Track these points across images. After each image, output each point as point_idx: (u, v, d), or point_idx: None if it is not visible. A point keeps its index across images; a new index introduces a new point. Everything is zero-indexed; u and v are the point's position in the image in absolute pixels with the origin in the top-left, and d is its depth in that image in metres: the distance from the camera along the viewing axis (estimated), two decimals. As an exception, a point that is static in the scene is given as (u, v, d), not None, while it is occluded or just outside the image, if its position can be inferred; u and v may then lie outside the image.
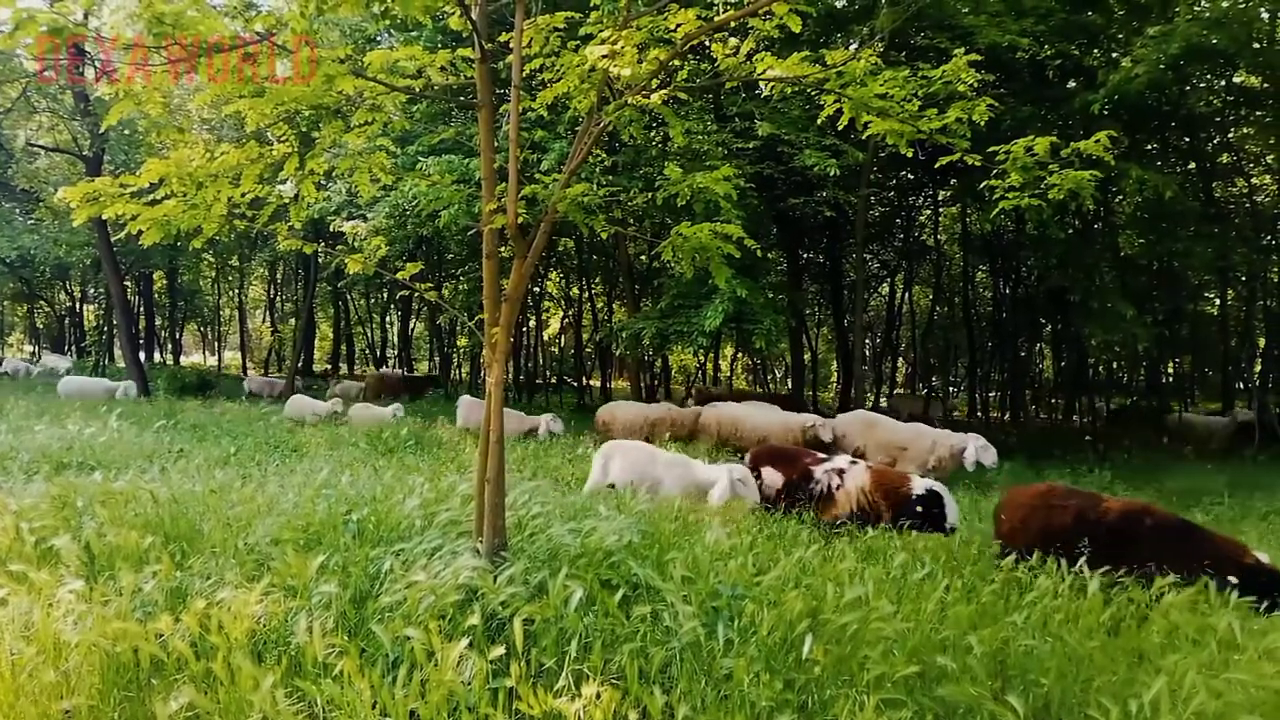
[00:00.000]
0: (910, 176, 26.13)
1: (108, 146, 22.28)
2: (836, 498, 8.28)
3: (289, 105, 4.76)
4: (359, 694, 3.27)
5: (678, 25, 4.61)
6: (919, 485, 7.99)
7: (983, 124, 4.83)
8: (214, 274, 43.34)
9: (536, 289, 31.33)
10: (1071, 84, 18.89)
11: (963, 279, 31.20)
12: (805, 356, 32.42)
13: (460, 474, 8.30)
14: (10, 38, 3.56)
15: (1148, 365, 28.55)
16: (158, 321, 44.80)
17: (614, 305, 31.56)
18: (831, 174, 15.19)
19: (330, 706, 3.36)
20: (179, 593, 4.36)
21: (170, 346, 46.42)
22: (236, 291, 45.60)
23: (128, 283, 32.55)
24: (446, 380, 34.60)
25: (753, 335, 16.04)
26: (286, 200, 5.60)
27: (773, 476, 8.73)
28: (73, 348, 41.91)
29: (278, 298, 45.88)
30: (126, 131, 21.98)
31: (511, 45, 5.03)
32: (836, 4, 17.96)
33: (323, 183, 8.78)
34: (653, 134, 17.97)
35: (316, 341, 46.25)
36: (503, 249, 5.26)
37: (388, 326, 42.77)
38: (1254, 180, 23.95)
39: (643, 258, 25.67)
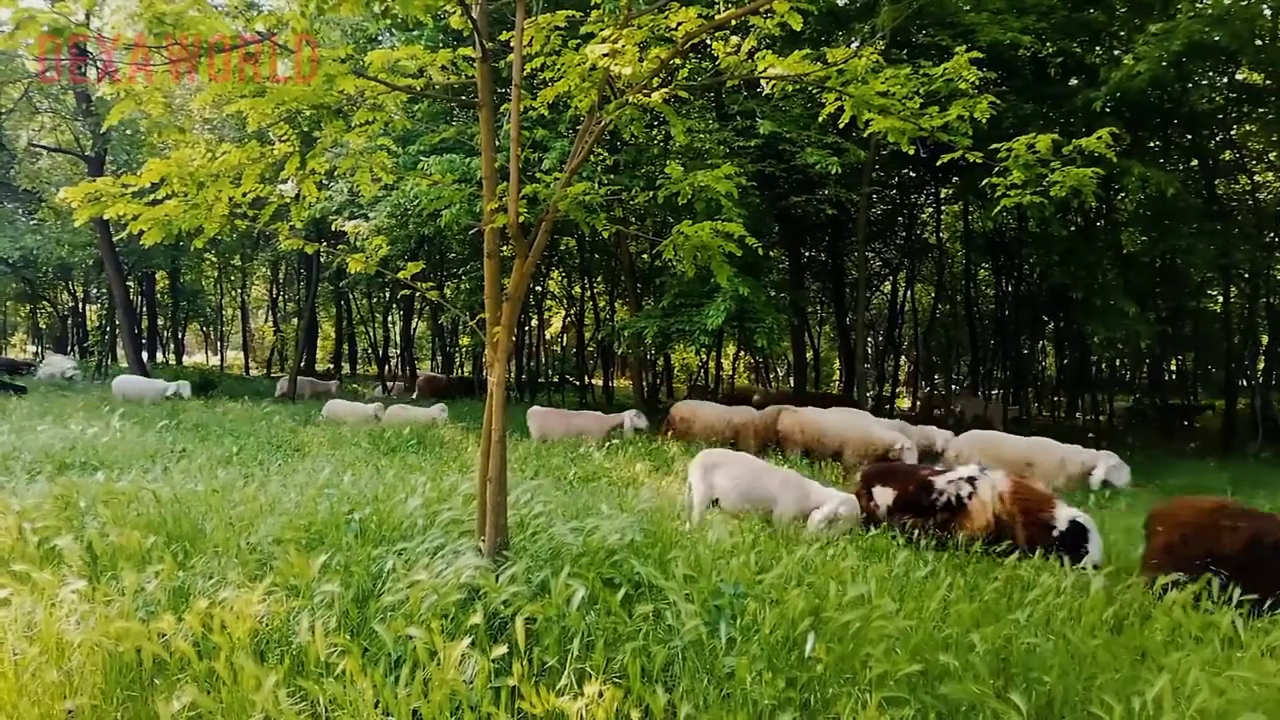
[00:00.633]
0: (912, 174, 26.13)
1: (110, 146, 22.32)
2: (970, 508, 7.20)
3: (290, 105, 4.76)
4: (361, 693, 3.27)
5: (679, 24, 4.61)
6: (1063, 516, 6.87)
7: (984, 121, 4.83)
8: (216, 274, 43.40)
9: (538, 288, 31.33)
10: (1073, 81, 18.89)
11: (965, 277, 31.16)
12: (807, 355, 32.42)
13: (462, 473, 8.30)
14: (11, 38, 3.56)
15: (1150, 363, 28.53)
16: (160, 321, 44.86)
17: (616, 304, 31.55)
18: (833, 172, 15.19)
19: (333, 706, 3.36)
20: (181, 592, 4.37)
21: (173, 346, 46.47)
22: (239, 291, 45.66)
23: (130, 283, 32.61)
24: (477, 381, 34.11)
25: (755, 334, 16.01)
26: (288, 200, 5.60)
27: (884, 494, 7.89)
28: (75, 348, 41.93)
29: (280, 297, 45.92)
30: (128, 131, 22.01)
31: (512, 44, 5.03)
32: (838, 2, 17.95)
33: (324, 182, 8.77)
34: (654, 133, 17.98)
35: (319, 341, 46.29)
36: (504, 248, 5.26)
37: (390, 326, 42.76)
38: (1256, 177, 23.91)
39: (644, 256, 25.67)
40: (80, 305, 43.37)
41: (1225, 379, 24.83)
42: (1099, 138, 4.72)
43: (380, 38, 18.44)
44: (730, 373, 42.09)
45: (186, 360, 48.35)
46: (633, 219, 19.73)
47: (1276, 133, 20.73)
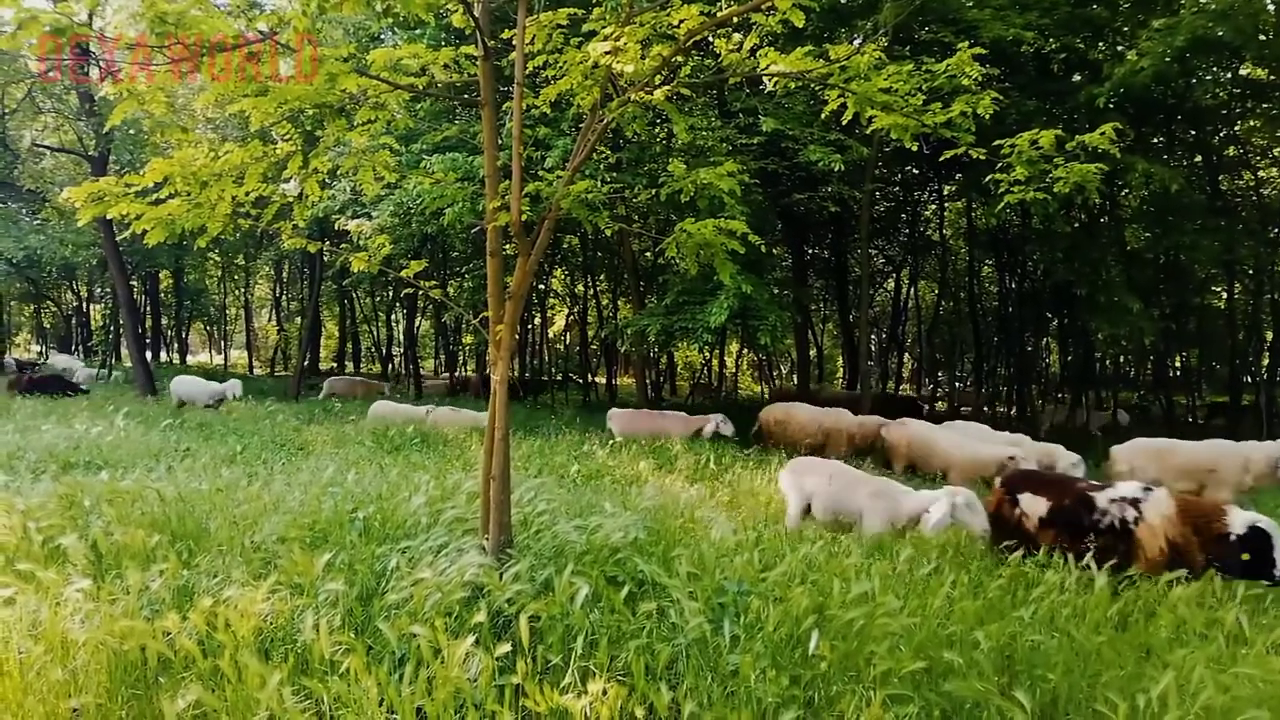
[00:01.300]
0: (915, 171, 26.08)
1: (113, 146, 22.32)
2: (1139, 536, 6.31)
3: (292, 104, 4.77)
4: (366, 691, 3.28)
5: (680, 21, 4.61)
6: (1238, 520, 6.06)
7: (987, 118, 4.82)
8: (219, 273, 43.49)
9: (541, 286, 31.29)
10: (1076, 77, 18.83)
11: (968, 274, 31.08)
12: (811, 352, 32.38)
13: (466, 471, 8.30)
14: (14, 38, 3.57)
15: (1155, 359, 28.47)
16: (164, 321, 44.97)
17: (619, 302, 31.53)
18: (836, 169, 15.15)
19: (337, 704, 3.37)
20: (186, 591, 4.38)
21: (176, 346, 46.56)
22: (242, 290, 45.73)
23: (134, 282, 32.67)
24: (575, 380, 33.47)
25: (758, 331, 15.98)
26: (291, 199, 5.61)
27: (1033, 505, 6.94)
28: (80, 347, 42.06)
29: (283, 296, 45.97)
30: (131, 131, 22.02)
31: (514, 42, 5.03)
32: (840, -2, 17.91)
33: (327, 181, 8.76)
34: (656, 130, 17.95)
35: (322, 340, 46.36)
36: (507, 246, 5.27)
37: (393, 325, 42.81)
38: (1260, 173, 23.85)
39: (647, 254, 25.65)
40: (84, 305, 43.52)
41: (1230, 375, 24.78)
42: (1102, 133, 4.71)
43: (382, 36, 18.42)
44: (734, 370, 42.06)
45: (190, 359, 48.44)
46: (635, 217, 19.72)
47: (1280, 128, 20.69)
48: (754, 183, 15.77)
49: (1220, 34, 14.53)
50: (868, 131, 6.31)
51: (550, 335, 39.62)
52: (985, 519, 7.14)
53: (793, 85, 5.58)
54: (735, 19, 4.72)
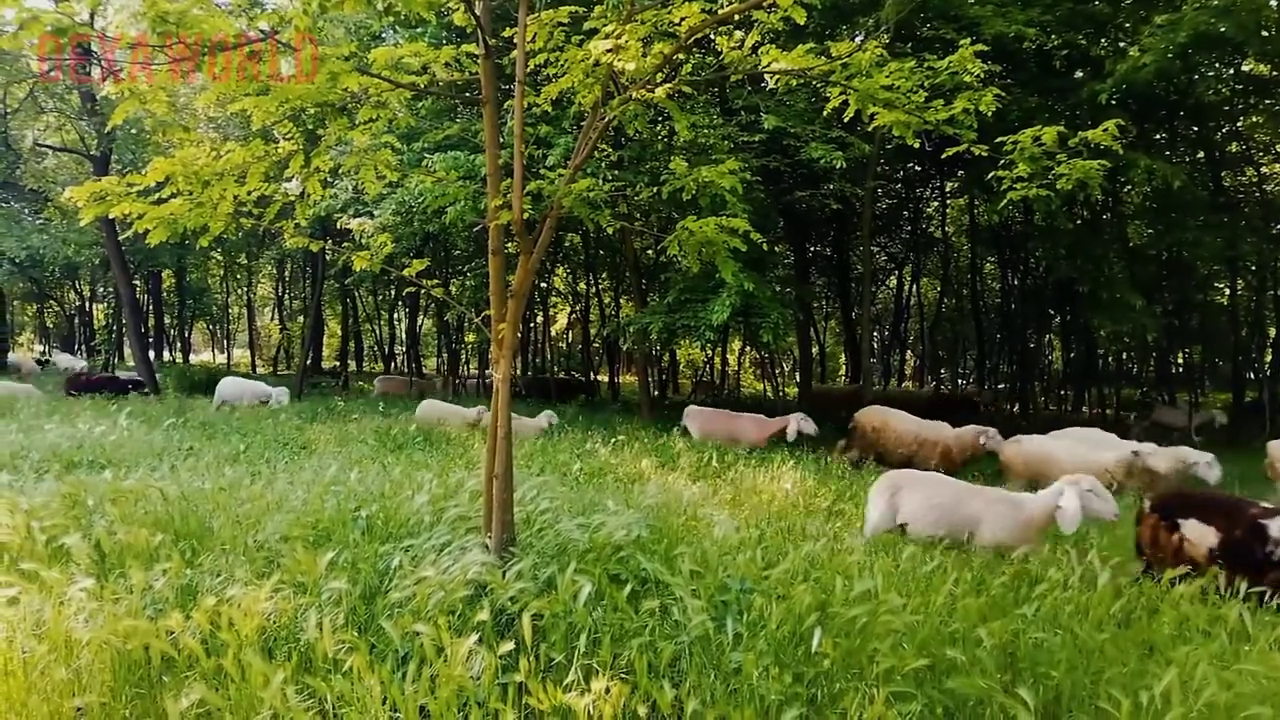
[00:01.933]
0: (917, 168, 26.07)
1: (115, 146, 22.35)
2: None
3: (294, 103, 4.77)
4: (369, 690, 3.28)
5: (682, 19, 4.61)
6: None
7: (989, 115, 4.81)
8: (222, 272, 43.51)
9: (543, 284, 31.30)
10: (1079, 74, 18.78)
11: (970, 271, 31.07)
12: (813, 350, 32.37)
13: (468, 470, 8.31)
14: (15, 37, 3.57)
15: (1157, 356, 28.44)
16: (166, 320, 44.99)
17: (621, 300, 31.54)
18: (838, 166, 15.13)
19: (340, 703, 3.37)
20: (189, 590, 4.39)
21: (179, 345, 46.61)
22: (244, 289, 45.75)
23: (136, 281, 32.67)
24: (598, 383, 32.67)
25: (760, 329, 15.97)
26: (293, 198, 5.61)
27: (1201, 533, 6.28)
28: (83, 347, 42.11)
29: (286, 295, 46.00)
30: (133, 130, 22.02)
31: (516, 40, 5.03)
32: (841, -5, 17.88)
33: (328, 180, 8.75)
34: (658, 128, 17.94)
35: (325, 339, 46.40)
36: (509, 245, 5.26)
37: (395, 323, 42.83)
38: (1263, 169, 23.81)
39: (649, 252, 25.64)
40: (87, 304, 43.57)
41: (1233, 372, 24.75)
42: (1105, 130, 4.70)
43: (383, 35, 18.43)
44: (736, 368, 42.05)
45: (193, 358, 48.48)
46: (637, 215, 19.70)
47: (1283, 124, 20.65)
48: (756, 180, 15.75)
49: (1222, 30, 14.50)
50: (869, 129, 6.30)
51: (553, 333, 39.64)
52: (1114, 504, 6.69)
53: (794, 83, 5.58)
54: (737, 16, 4.71)
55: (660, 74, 4.87)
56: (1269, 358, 25.95)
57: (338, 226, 18.23)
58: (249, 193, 5.25)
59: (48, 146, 26.56)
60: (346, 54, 4.59)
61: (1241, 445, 18.85)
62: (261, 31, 4.18)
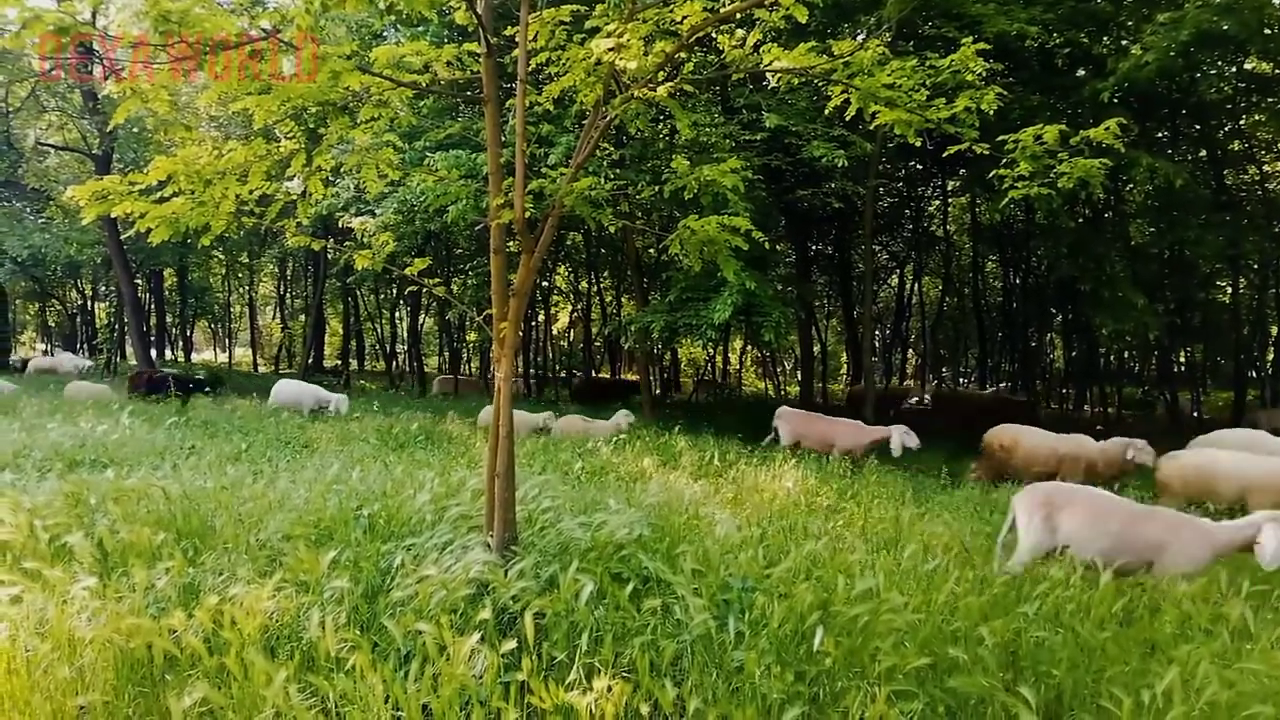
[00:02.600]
0: (919, 167, 26.05)
1: (116, 145, 22.39)
2: None
3: (295, 102, 4.76)
4: (371, 688, 3.28)
5: (684, 18, 4.60)
6: None
7: (991, 113, 4.80)
8: (224, 271, 43.55)
9: (545, 283, 31.32)
10: (1080, 72, 18.75)
11: (972, 269, 31.08)
12: (814, 349, 32.36)
13: (470, 469, 8.31)
14: (17, 37, 3.57)
15: (1159, 354, 28.44)
16: (168, 319, 45.04)
17: (622, 299, 31.56)
18: (839, 165, 15.13)
19: (343, 701, 3.37)
20: (192, 589, 4.39)
21: (181, 344, 46.65)
22: (246, 288, 45.81)
23: (138, 280, 32.74)
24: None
25: (761, 328, 15.97)
26: (294, 197, 5.61)
27: None
28: (85, 345, 42.14)
29: (287, 294, 46.06)
30: (135, 129, 22.06)
31: (517, 39, 5.02)
32: (843, -6, 17.86)
33: (330, 179, 8.75)
34: (659, 127, 17.94)
35: (326, 337, 46.44)
36: (510, 244, 5.26)
37: (397, 322, 42.87)
38: (1265, 168, 23.78)
39: (650, 251, 25.66)
40: (89, 303, 43.59)
41: (1234, 370, 24.74)
42: (1107, 128, 4.69)
43: (385, 34, 18.43)
44: (737, 367, 42.07)
45: (195, 357, 48.54)
46: (639, 214, 19.70)
47: (1286, 123, 20.61)
48: (757, 179, 15.74)
49: (1225, 28, 14.48)
50: (871, 127, 6.30)
51: (554, 332, 39.66)
52: None
53: (796, 81, 5.58)
54: (738, 15, 4.71)
55: (662, 73, 4.87)
56: (1271, 356, 25.93)
57: (339, 225, 18.19)
58: (251, 192, 5.24)
59: (50, 145, 26.59)
60: (348, 53, 4.59)
61: None
62: (263, 30, 4.18)
